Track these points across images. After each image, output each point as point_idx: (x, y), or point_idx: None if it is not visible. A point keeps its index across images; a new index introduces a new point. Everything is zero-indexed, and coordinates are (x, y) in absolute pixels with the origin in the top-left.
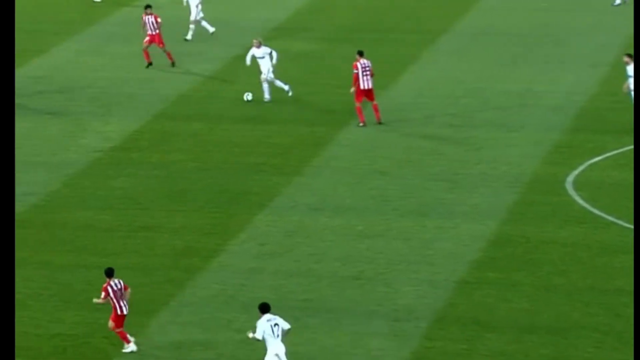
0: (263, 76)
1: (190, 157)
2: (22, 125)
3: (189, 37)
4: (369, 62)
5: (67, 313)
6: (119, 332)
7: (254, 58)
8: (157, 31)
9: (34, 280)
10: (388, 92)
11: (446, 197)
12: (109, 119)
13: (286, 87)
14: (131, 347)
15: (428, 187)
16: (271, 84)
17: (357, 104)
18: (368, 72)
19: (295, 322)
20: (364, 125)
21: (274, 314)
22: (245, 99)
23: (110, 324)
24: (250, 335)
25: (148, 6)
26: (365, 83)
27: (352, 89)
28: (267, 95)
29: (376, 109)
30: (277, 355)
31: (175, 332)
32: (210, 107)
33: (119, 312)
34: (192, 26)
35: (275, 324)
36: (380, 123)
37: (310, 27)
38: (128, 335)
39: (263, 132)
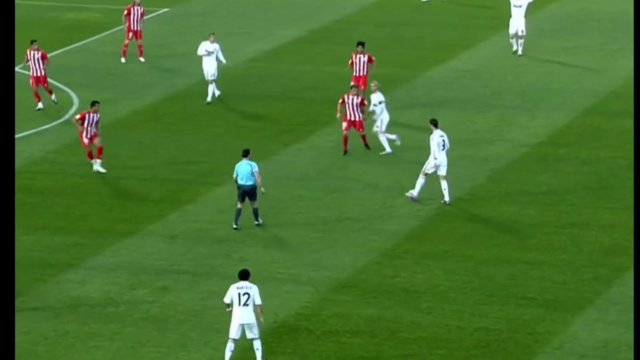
0: None
1: (619, 154)
2: (448, 119)
3: None
4: (359, 98)
5: (490, 307)
6: None
7: None
8: None
9: (457, 273)
10: None
11: None
12: (535, 114)
13: None
14: None
15: None
16: None
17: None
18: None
19: None
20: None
21: None
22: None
23: None
24: None
25: None
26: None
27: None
28: None
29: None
30: None
31: (601, 331)
32: None
33: None
34: None
35: None
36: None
37: None
38: None
39: None
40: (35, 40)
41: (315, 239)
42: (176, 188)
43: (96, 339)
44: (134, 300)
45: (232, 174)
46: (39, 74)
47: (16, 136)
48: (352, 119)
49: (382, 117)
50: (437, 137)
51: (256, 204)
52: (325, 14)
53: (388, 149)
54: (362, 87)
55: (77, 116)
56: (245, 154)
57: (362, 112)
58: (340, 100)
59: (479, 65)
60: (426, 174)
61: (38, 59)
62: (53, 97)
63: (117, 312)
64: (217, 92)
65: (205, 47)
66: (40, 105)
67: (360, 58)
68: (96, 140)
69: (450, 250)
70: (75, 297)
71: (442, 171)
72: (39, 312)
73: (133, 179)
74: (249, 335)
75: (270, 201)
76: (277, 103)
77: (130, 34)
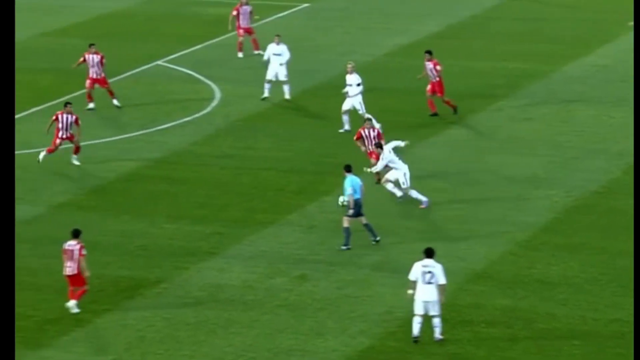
0: None
1: None
2: (586, 114)
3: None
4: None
5: (625, 299)
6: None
7: None
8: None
9: (592, 265)
10: None
11: None
12: None
13: None
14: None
15: None
16: None
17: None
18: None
19: None
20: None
21: None
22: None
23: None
24: None
25: None
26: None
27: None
28: None
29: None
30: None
31: None
32: None
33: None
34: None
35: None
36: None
37: None
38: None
39: None
40: (93, 44)
41: (451, 230)
42: (313, 179)
43: (235, 326)
44: (272, 288)
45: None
46: (97, 76)
47: (159, 128)
48: (371, 149)
49: (359, 99)
50: (387, 152)
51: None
52: (463, 9)
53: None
54: (439, 94)
55: (53, 117)
56: (350, 169)
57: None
58: (356, 137)
59: (615, 60)
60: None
61: (97, 62)
62: (115, 101)
63: (255, 299)
64: (266, 94)
65: (272, 50)
66: (91, 105)
67: (427, 65)
68: (74, 141)
69: (586, 243)
70: (215, 284)
71: (407, 179)
72: (180, 299)
73: (272, 170)
74: (430, 312)
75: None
76: (413, 97)
77: (242, 31)
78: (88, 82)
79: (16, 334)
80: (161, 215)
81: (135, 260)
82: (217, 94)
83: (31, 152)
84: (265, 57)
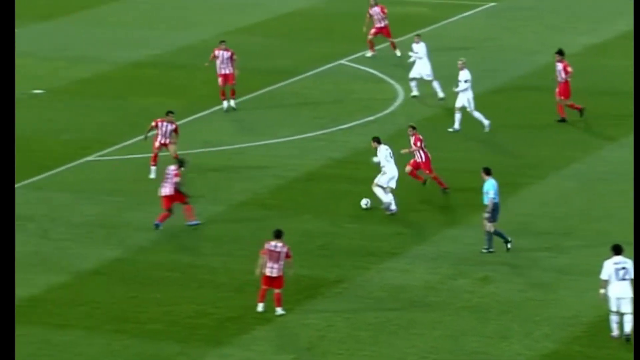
0: None
1: None
2: None
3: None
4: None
5: None
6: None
7: None
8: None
9: None
10: None
11: None
12: None
13: None
14: (259, 307)
15: None
16: None
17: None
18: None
19: None
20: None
21: None
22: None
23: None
24: None
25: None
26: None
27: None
28: None
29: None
30: None
31: None
32: None
33: (264, 270)
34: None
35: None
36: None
37: None
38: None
39: None
40: (224, 41)
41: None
42: (499, 181)
43: (417, 327)
44: (454, 289)
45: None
46: (227, 72)
47: (341, 127)
48: (418, 160)
49: (469, 96)
50: (384, 151)
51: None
52: None
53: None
54: (563, 96)
55: (153, 123)
56: (490, 172)
57: (422, 149)
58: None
59: None
60: (384, 188)
61: (227, 58)
62: (232, 103)
63: (438, 301)
64: (441, 94)
65: (415, 49)
66: (225, 104)
67: (557, 66)
68: (170, 149)
69: None
70: (397, 285)
71: (393, 183)
72: (361, 299)
73: (453, 170)
74: (622, 309)
75: (595, 196)
76: (601, 97)
77: (373, 30)
78: (220, 79)
79: (196, 332)
80: (342, 215)
81: (316, 260)
82: (400, 94)
83: (211, 150)
84: (412, 58)
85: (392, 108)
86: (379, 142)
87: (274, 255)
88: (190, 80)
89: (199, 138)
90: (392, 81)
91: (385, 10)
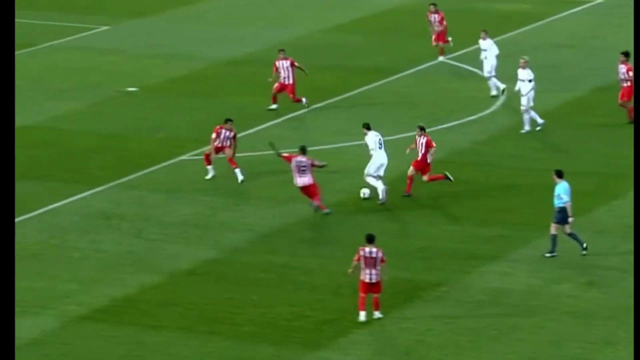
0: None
1: None
2: None
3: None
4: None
5: None
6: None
7: None
8: None
9: None
10: None
11: None
12: None
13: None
14: (362, 316)
15: None
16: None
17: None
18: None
19: None
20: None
21: None
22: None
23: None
24: None
25: None
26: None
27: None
28: None
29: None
30: None
31: None
32: None
33: (361, 277)
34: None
35: None
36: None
37: None
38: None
39: None
40: (282, 50)
41: None
42: (605, 182)
43: (519, 332)
44: (557, 294)
45: None
46: (286, 82)
47: (441, 127)
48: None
49: (529, 95)
50: (373, 137)
51: None
52: None
53: (540, 120)
54: (626, 98)
55: (213, 135)
56: (562, 174)
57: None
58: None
59: None
60: (375, 176)
61: (287, 67)
62: (304, 99)
63: (540, 305)
64: (495, 91)
65: (480, 46)
66: (273, 106)
67: (620, 68)
68: (226, 152)
69: None
70: (498, 289)
71: (381, 171)
72: (461, 303)
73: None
74: None
75: None
76: None
77: (434, 36)
78: (276, 85)
79: (292, 334)
80: (442, 217)
81: (414, 262)
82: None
83: (308, 149)
84: (482, 56)
85: (493, 107)
86: (369, 129)
87: (370, 261)
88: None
89: (296, 137)
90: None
91: (444, 21)
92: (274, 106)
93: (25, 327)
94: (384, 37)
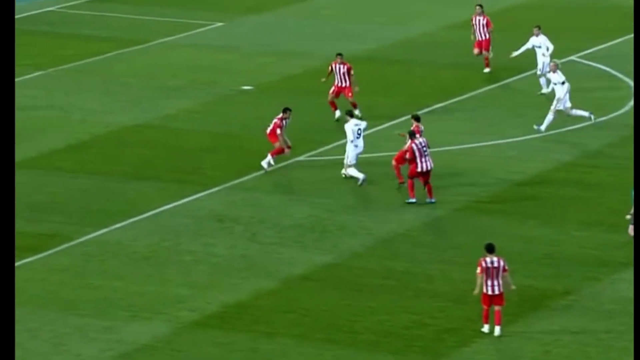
0: None
1: None
2: None
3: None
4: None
5: None
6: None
7: None
8: None
9: None
10: None
11: None
12: None
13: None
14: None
15: None
16: None
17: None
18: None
19: None
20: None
21: None
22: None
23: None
24: None
25: None
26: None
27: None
28: None
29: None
30: None
31: None
32: None
33: (483, 289)
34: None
35: None
36: None
37: None
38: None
39: None
40: (340, 54)
41: None
42: None
43: None
44: None
45: None
46: (342, 85)
47: (571, 128)
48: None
49: (565, 97)
50: (353, 127)
51: None
52: None
53: (586, 114)
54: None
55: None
56: None
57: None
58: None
59: None
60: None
61: (343, 72)
62: (337, 114)
63: None
64: (545, 89)
65: (532, 42)
66: (337, 113)
67: None
68: (281, 142)
69: None
70: (629, 298)
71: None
72: (591, 312)
73: None
74: None
75: None
76: None
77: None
78: (332, 89)
79: (413, 343)
80: (571, 222)
81: (541, 269)
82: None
83: (433, 150)
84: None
85: (626, 108)
86: (351, 116)
87: (493, 272)
88: (408, 77)
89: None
90: (626, 79)
91: (491, 25)
92: (337, 113)
93: (135, 333)
94: (510, 34)
